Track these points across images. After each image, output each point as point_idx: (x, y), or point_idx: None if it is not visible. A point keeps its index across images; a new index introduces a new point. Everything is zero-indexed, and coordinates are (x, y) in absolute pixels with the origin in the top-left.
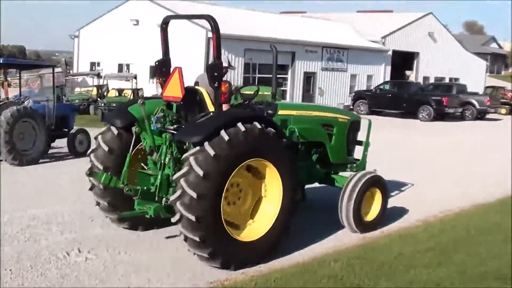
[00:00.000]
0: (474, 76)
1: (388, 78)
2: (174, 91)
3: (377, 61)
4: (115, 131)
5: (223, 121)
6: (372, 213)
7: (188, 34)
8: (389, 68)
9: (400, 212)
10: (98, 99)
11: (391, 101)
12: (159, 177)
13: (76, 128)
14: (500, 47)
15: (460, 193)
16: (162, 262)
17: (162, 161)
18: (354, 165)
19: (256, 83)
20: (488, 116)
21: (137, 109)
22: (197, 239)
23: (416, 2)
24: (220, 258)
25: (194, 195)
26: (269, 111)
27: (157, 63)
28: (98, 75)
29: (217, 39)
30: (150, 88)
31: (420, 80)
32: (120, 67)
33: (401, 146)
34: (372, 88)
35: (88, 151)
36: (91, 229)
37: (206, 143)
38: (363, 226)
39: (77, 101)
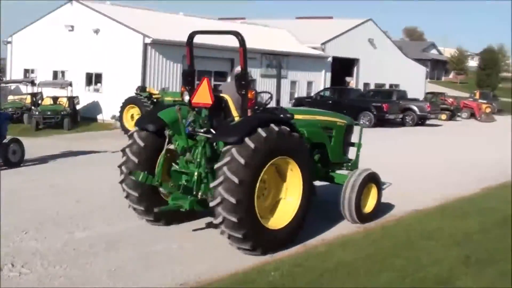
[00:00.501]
0: (414, 82)
1: (328, 85)
2: (203, 98)
3: (317, 67)
4: (146, 134)
5: (258, 121)
6: (369, 206)
7: (125, 41)
8: (329, 74)
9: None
10: (32, 107)
11: (332, 107)
12: (195, 173)
13: (9, 138)
14: (440, 53)
15: (401, 199)
16: (97, 276)
17: (198, 160)
18: (349, 164)
19: None
20: (428, 122)
21: (166, 115)
22: (235, 220)
23: (356, 3)
24: (251, 241)
25: (236, 180)
26: (288, 115)
27: (183, 73)
28: (32, 83)
29: (244, 52)
30: (86, 95)
31: (361, 87)
32: (55, 74)
33: None
34: (312, 94)
35: (123, 147)
36: (25, 242)
37: (246, 138)
38: (362, 218)
39: (10, 109)
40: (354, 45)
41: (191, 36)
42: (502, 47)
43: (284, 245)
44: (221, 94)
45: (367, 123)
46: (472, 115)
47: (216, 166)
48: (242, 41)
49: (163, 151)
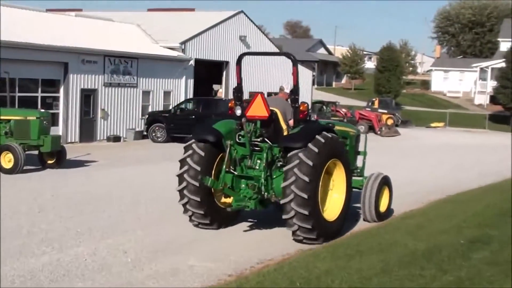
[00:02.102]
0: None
1: (191, 95)
2: (259, 111)
3: (176, 73)
4: (204, 145)
5: (316, 130)
6: (383, 206)
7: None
8: (191, 81)
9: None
10: None
11: (196, 124)
12: (262, 176)
13: None
14: (330, 53)
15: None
16: None
17: (264, 164)
18: (358, 170)
19: (17, 105)
20: None
21: (222, 126)
22: (306, 213)
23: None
24: (316, 231)
25: (307, 179)
26: (330, 125)
27: (234, 90)
28: None
29: (297, 71)
30: None
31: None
32: None
33: None
34: (170, 108)
35: (182, 157)
36: None
37: (309, 144)
38: (380, 216)
39: None
40: (222, 45)
41: (241, 57)
42: (405, 44)
43: (337, 235)
44: (271, 108)
45: None
46: (371, 128)
47: (285, 168)
48: (295, 61)
49: (226, 159)
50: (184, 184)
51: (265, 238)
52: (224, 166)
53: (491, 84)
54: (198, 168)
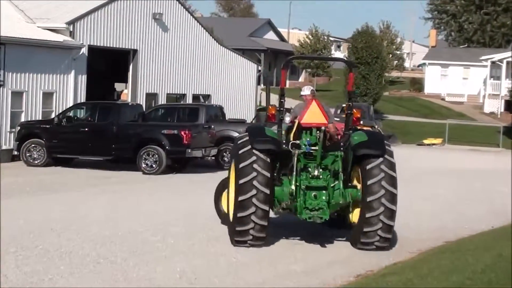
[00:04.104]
0: (240, 91)
1: (83, 98)
2: (317, 118)
3: (61, 66)
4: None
5: (381, 139)
6: None
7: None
8: (84, 78)
9: None
10: None
11: (90, 139)
12: (341, 187)
13: None
14: (282, 38)
15: None
16: None
17: (329, 174)
18: None
19: None
20: None
21: (273, 134)
22: (393, 224)
23: None
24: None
25: (396, 191)
26: None
27: (280, 94)
28: None
29: (354, 75)
30: None
31: (141, 100)
32: None
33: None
34: (53, 116)
35: (245, 164)
36: None
37: (388, 156)
38: None
39: None
40: (128, 26)
41: (289, 61)
42: (387, 27)
43: None
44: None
45: (154, 166)
46: None
47: (370, 182)
48: (353, 66)
49: (295, 168)
50: (253, 192)
51: (352, 253)
52: (292, 177)
53: (506, 84)
54: (268, 175)
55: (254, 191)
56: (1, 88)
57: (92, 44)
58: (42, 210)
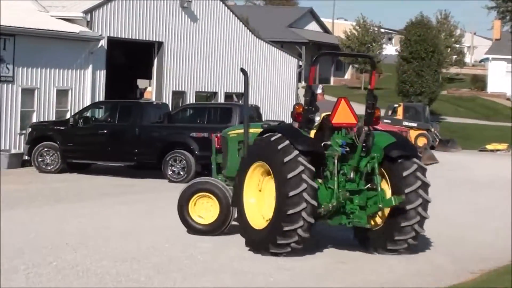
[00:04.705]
0: (278, 88)
1: (102, 96)
2: (346, 117)
3: (77, 60)
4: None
5: (407, 140)
6: None
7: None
8: (102, 74)
9: None
10: None
11: (109, 143)
12: (379, 189)
13: None
14: (326, 30)
15: None
16: None
17: (360, 177)
18: None
19: None
20: None
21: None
22: (423, 232)
23: None
24: None
25: (429, 200)
26: None
27: (310, 93)
28: None
29: (375, 74)
30: None
31: (167, 99)
32: None
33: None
34: (68, 116)
35: (295, 174)
36: None
37: (420, 162)
38: None
39: None
40: (152, 16)
41: (319, 57)
42: (445, 17)
43: None
44: (324, 114)
45: (182, 173)
46: None
47: (408, 190)
48: (375, 64)
49: (336, 173)
50: (303, 205)
51: (403, 273)
52: (334, 180)
53: None
54: (316, 186)
55: (304, 205)
56: (11, 84)
57: (111, 35)
58: (56, 222)
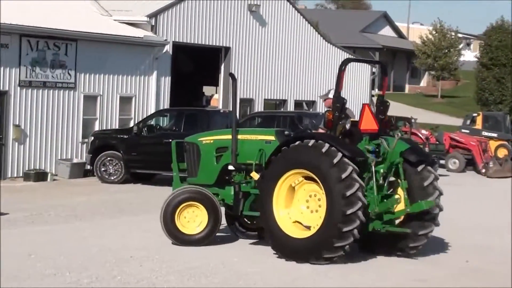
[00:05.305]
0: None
1: (167, 103)
2: (370, 124)
3: (142, 66)
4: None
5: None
6: None
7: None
8: (167, 80)
9: None
10: None
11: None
12: (404, 194)
13: None
14: (401, 35)
15: None
16: None
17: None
18: None
19: None
20: None
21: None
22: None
23: None
24: None
25: (442, 208)
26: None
27: (339, 100)
28: None
29: (388, 81)
30: None
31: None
32: None
33: None
34: (132, 125)
35: (347, 174)
36: None
37: (435, 170)
38: None
39: None
40: (219, 20)
41: (345, 63)
42: None
43: None
44: (351, 119)
45: None
46: (470, 163)
47: (429, 198)
48: (386, 70)
49: (374, 179)
50: (359, 204)
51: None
52: (373, 185)
53: None
54: (364, 187)
55: (360, 204)
56: (72, 91)
57: (177, 40)
58: (120, 235)
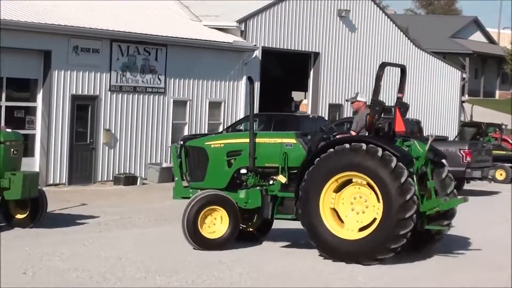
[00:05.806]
0: (440, 102)
1: (256, 108)
2: (402, 126)
3: (231, 71)
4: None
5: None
6: None
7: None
8: (257, 85)
9: None
10: None
11: None
12: (433, 192)
13: None
14: (492, 40)
15: None
16: None
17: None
18: None
19: None
20: (467, 186)
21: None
22: None
23: None
24: None
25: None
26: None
27: (372, 104)
28: None
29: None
30: None
31: (324, 112)
32: None
33: None
34: (221, 129)
35: (404, 179)
36: None
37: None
38: None
39: None
40: (308, 25)
41: (383, 67)
42: None
43: None
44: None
45: None
46: None
47: (449, 190)
48: (405, 73)
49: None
50: (414, 208)
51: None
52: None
53: None
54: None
55: (415, 207)
56: (162, 96)
57: (266, 46)
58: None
